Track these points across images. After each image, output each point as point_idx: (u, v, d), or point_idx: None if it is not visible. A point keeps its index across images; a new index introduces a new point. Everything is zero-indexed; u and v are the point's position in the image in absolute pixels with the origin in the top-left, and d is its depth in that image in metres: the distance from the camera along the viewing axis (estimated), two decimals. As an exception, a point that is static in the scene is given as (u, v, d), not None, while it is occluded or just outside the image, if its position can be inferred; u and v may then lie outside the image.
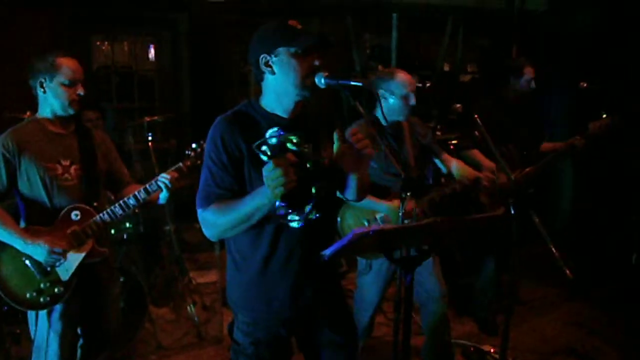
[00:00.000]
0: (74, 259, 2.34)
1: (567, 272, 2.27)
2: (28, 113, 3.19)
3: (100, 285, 2.50)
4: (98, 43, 5.79)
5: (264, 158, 1.68)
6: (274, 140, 1.70)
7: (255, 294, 1.86)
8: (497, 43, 6.50)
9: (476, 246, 3.75)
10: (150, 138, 3.96)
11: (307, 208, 1.76)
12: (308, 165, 1.69)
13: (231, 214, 1.68)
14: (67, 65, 2.31)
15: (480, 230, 1.85)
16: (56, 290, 2.33)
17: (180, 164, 2.44)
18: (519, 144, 3.55)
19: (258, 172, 1.64)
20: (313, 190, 1.75)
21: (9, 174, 2.29)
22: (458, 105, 2.70)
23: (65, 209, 2.34)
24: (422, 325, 3.05)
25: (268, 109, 1.79)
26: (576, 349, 3.57)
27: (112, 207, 2.38)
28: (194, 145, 2.46)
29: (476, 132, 2.60)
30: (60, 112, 2.35)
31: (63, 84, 2.30)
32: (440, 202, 2.73)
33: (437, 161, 3.06)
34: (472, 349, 3.50)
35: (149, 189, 2.42)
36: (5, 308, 3.12)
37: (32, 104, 2.61)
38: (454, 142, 4.61)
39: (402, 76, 2.72)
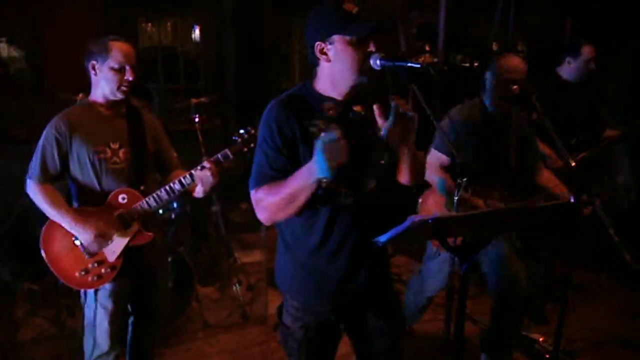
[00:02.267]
0: (120, 241, 2.37)
1: (629, 259, 2.17)
2: (81, 95, 3.25)
3: (149, 265, 2.53)
4: (143, 25, 5.86)
5: (315, 133, 1.65)
6: (325, 113, 1.69)
7: (306, 277, 1.85)
8: (550, 21, 6.23)
9: (532, 232, 3.63)
10: (197, 120, 3.97)
11: (364, 182, 1.74)
12: (368, 136, 1.66)
13: (280, 193, 1.67)
14: (119, 49, 2.30)
15: (542, 218, 1.77)
16: (103, 270, 2.37)
17: (227, 150, 2.39)
18: (576, 127, 3.40)
19: (311, 154, 1.62)
20: (377, 161, 1.74)
21: (61, 156, 2.33)
22: (514, 87, 2.59)
23: (113, 192, 2.37)
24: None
25: (322, 93, 1.76)
26: (627, 339, 3.45)
27: (158, 192, 2.39)
28: (241, 131, 2.40)
29: (533, 115, 2.49)
30: (110, 96, 2.37)
31: (112, 68, 2.29)
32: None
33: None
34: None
35: (195, 175, 2.40)
36: (61, 282, 3.24)
37: (86, 86, 2.66)
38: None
39: (508, 59, 2.70)
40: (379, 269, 1.92)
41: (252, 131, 2.34)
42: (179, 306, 3.47)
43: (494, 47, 6.44)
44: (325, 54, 1.69)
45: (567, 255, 2.51)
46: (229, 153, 2.37)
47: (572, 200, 1.92)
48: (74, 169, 2.36)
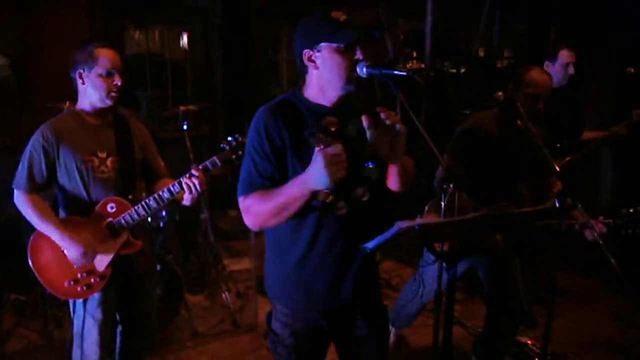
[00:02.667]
0: (109, 250, 2.36)
1: (615, 264, 2.20)
2: (68, 103, 3.24)
3: (138, 274, 2.51)
4: (131, 32, 5.84)
5: (314, 145, 1.65)
6: (326, 128, 1.68)
7: (295, 284, 1.85)
8: (535, 27, 6.32)
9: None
10: (185, 127, 3.97)
11: (357, 193, 1.76)
12: (361, 150, 1.66)
13: (271, 202, 1.67)
14: (105, 56, 2.30)
15: (525, 223, 1.79)
16: (92, 280, 2.36)
17: (215, 158, 2.38)
18: (559, 132, 3.44)
19: (301, 161, 1.65)
20: (366, 174, 1.74)
21: (49, 166, 2.31)
22: (500, 93, 2.62)
23: (102, 201, 2.35)
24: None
25: (311, 100, 1.77)
26: (616, 342, 3.49)
27: (147, 201, 2.37)
28: (229, 139, 2.38)
29: (518, 121, 2.52)
30: (98, 104, 2.35)
31: (100, 75, 2.29)
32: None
33: None
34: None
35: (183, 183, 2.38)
36: (48, 292, 3.21)
37: (72, 95, 2.64)
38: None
39: (536, 73, 2.64)
40: (367, 277, 1.92)
41: (240, 139, 2.33)
42: (168, 315, 3.45)
43: (480, 53, 6.52)
44: (313, 61, 1.71)
45: (554, 259, 2.52)
46: (217, 161, 2.36)
47: (556, 204, 1.95)
48: (61, 177, 2.35)
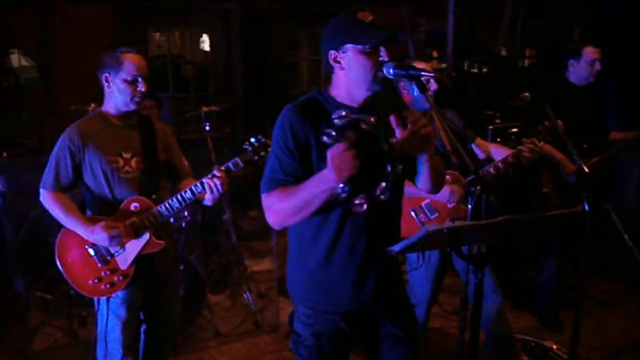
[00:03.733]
0: (132, 249, 2.39)
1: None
2: (92, 105, 3.28)
3: (161, 274, 2.54)
4: (153, 34, 5.90)
5: (328, 140, 1.66)
6: (338, 122, 1.70)
7: (317, 284, 1.85)
8: (558, 25, 6.22)
9: (540, 239, 3.61)
10: (207, 128, 4.00)
11: (377, 190, 1.75)
12: (382, 145, 1.66)
13: (293, 199, 1.68)
14: (131, 61, 2.32)
15: (555, 226, 1.76)
16: (115, 278, 2.39)
17: (238, 158, 2.39)
18: (585, 132, 3.38)
19: (325, 160, 1.64)
20: (389, 169, 1.74)
21: (75, 167, 2.36)
22: (526, 94, 2.58)
23: (126, 200, 2.39)
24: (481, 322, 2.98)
25: (338, 99, 1.77)
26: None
27: (169, 201, 2.39)
28: (252, 139, 2.39)
29: (546, 122, 2.48)
30: (122, 108, 2.39)
31: (125, 80, 2.32)
32: (489, 181, 2.62)
33: (473, 146, 2.98)
34: (532, 344, 3.38)
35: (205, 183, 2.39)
36: (72, 291, 3.25)
37: (96, 97, 2.67)
38: (514, 130, 4.46)
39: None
40: (390, 276, 1.91)
41: (263, 140, 2.35)
42: (191, 315, 3.47)
43: (503, 52, 6.44)
44: (339, 62, 1.71)
45: (581, 263, 2.48)
46: (239, 162, 2.37)
47: (585, 207, 1.92)
48: (87, 178, 2.39)
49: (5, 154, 4.03)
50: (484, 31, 6.09)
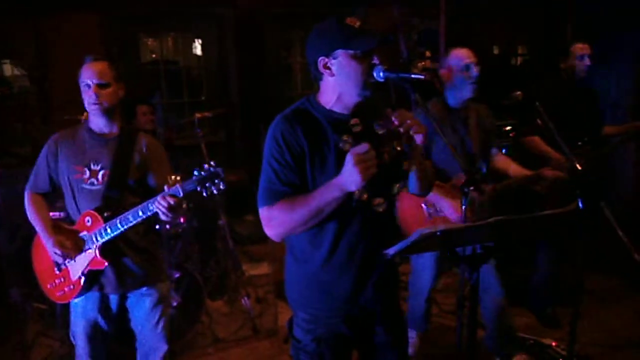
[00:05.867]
0: (81, 262, 2.38)
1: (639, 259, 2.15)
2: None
3: (111, 291, 2.46)
4: (145, 40, 5.89)
5: (344, 149, 1.65)
6: (350, 129, 1.70)
7: (316, 290, 1.84)
8: (550, 23, 6.23)
9: (535, 237, 3.62)
10: (201, 134, 4.00)
11: (395, 188, 1.78)
12: (398, 148, 1.67)
13: (301, 210, 1.66)
14: (88, 68, 2.32)
15: (549, 225, 1.76)
16: (66, 288, 2.42)
17: (179, 186, 2.16)
18: (579, 128, 3.39)
19: (320, 168, 1.66)
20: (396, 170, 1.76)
21: (49, 173, 2.43)
22: (518, 93, 2.59)
23: (83, 213, 2.37)
24: (482, 317, 3.00)
25: (327, 107, 1.76)
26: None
27: (115, 220, 2.30)
28: (204, 167, 2.15)
29: (538, 120, 2.48)
30: (91, 117, 2.41)
31: (85, 86, 2.33)
32: (501, 193, 2.65)
33: (493, 151, 3.02)
34: (531, 342, 3.39)
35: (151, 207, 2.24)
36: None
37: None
38: (508, 128, 4.47)
39: (457, 50, 2.83)
40: (388, 281, 1.91)
41: (213, 170, 2.14)
42: (189, 321, 3.46)
43: (495, 50, 6.45)
44: (329, 68, 1.70)
45: (578, 260, 2.48)
46: (179, 190, 2.17)
47: (580, 205, 1.92)
48: (61, 185, 2.44)
49: (-2, 164, 4.03)
50: (476, 30, 6.11)
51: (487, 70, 3.02)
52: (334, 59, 1.68)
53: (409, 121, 1.57)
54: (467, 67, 2.77)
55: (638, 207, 4.91)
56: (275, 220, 1.72)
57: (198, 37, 6.09)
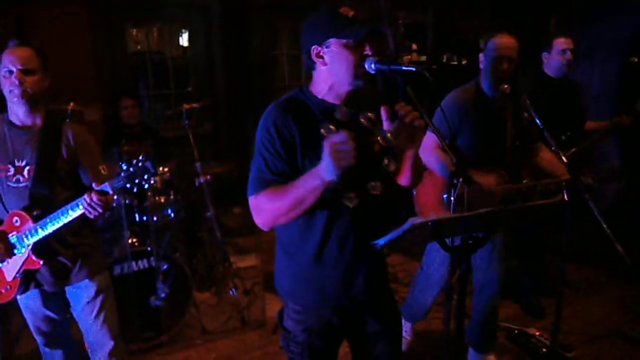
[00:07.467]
0: (15, 263, 2.30)
1: (623, 253, 2.19)
2: (71, 104, 3.24)
3: (51, 289, 2.41)
4: (131, 30, 5.82)
5: (325, 134, 1.64)
6: (339, 115, 1.69)
7: (307, 281, 1.85)
8: (535, 16, 6.29)
9: (520, 228, 3.67)
10: (188, 125, 3.98)
11: (370, 186, 1.75)
12: (380, 139, 1.64)
13: (285, 198, 1.65)
14: (8, 54, 2.17)
15: (536, 216, 1.79)
16: (3, 290, 2.34)
17: (107, 184, 2.11)
18: (562, 123, 3.43)
19: (311, 157, 1.64)
20: (385, 164, 1.74)
21: None
22: (505, 86, 2.59)
23: (10, 213, 2.28)
24: (473, 308, 3.02)
25: (319, 96, 1.76)
26: (623, 332, 3.48)
27: (46, 219, 2.21)
28: (133, 162, 2.10)
29: (525, 114, 2.51)
30: (12, 108, 2.23)
31: (7, 72, 2.16)
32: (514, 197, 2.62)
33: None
34: (516, 331, 3.45)
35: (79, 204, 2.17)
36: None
37: (75, 97, 2.62)
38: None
39: (499, 37, 2.74)
40: (377, 272, 1.93)
41: (142, 165, 2.09)
42: (177, 313, 3.46)
43: (481, 44, 6.46)
44: (322, 57, 1.69)
45: (562, 250, 2.52)
46: (108, 188, 2.13)
47: (565, 197, 1.95)
48: None
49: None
50: (464, 23, 6.14)
51: (474, 63, 3.03)
52: (327, 47, 1.67)
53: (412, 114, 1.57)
54: (500, 59, 2.69)
55: (621, 198, 5.01)
56: (262, 209, 1.71)
57: (184, 28, 6.04)
